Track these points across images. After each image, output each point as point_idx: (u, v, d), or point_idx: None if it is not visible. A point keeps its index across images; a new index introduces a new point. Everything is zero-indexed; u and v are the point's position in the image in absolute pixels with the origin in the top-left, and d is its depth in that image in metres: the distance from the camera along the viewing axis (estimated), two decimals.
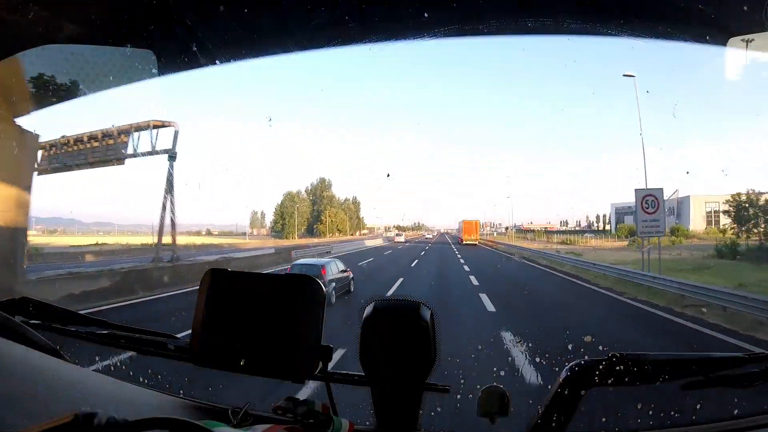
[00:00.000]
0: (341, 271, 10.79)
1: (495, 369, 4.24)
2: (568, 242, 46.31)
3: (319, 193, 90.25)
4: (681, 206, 54.71)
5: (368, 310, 0.83)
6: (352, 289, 11.57)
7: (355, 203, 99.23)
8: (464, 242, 45.86)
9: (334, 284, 9.99)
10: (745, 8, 1.18)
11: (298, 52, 1.76)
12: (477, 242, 46.30)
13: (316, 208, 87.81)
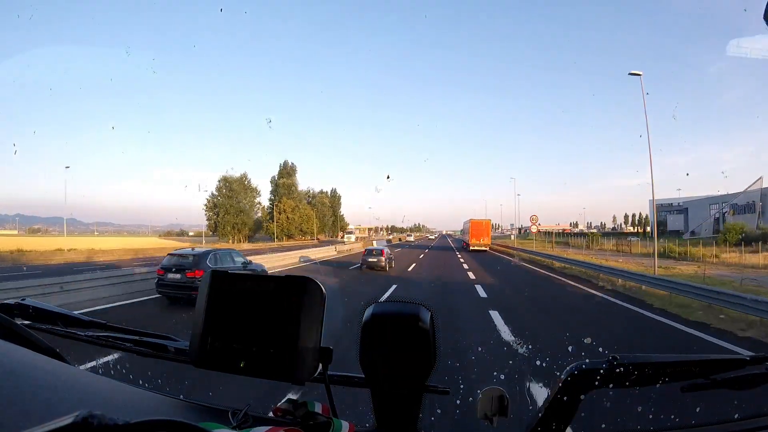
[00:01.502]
0: (390, 252, 19.20)
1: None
2: (672, 254, 28.39)
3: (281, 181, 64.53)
4: (767, 199, 42.21)
5: (368, 312, 0.83)
6: (393, 265, 18.67)
7: (334, 197, 79.26)
8: (472, 248, 37.49)
9: (386, 259, 17.66)
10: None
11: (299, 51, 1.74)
12: (488, 248, 38.10)
13: (273, 203, 65.57)
